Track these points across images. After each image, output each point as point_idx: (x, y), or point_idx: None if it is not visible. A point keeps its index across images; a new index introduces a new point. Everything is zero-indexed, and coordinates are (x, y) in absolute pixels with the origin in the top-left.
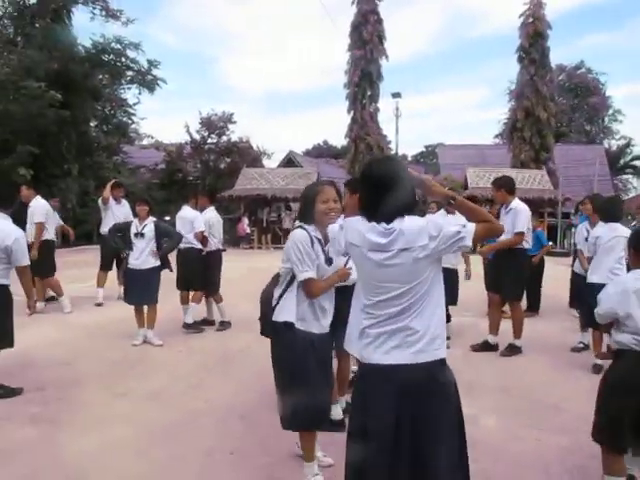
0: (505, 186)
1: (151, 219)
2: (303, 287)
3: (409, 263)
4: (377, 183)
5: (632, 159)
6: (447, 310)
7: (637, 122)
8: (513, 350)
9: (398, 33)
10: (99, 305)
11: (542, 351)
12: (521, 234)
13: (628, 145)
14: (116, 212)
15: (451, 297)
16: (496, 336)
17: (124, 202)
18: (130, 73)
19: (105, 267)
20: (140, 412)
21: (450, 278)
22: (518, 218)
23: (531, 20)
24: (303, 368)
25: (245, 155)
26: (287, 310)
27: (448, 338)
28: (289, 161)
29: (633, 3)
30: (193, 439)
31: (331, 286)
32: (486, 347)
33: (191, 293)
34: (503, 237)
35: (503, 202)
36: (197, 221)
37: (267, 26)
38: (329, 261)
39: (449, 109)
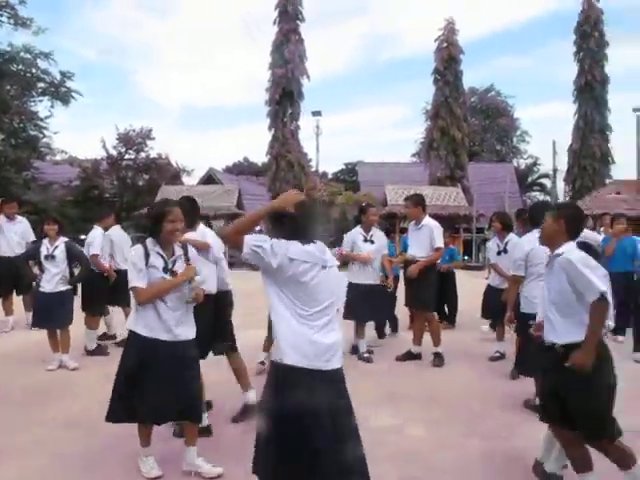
0: (422, 203)
1: (62, 239)
2: (132, 294)
3: None
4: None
5: (539, 177)
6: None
7: (542, 143)
8: (440, 357)
9: (319, 52)
10: (8, 331)
11: (463, 361)
12: (441, 249)
13: (535, 164)
14: (7, 231)
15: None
16: (419, 346)
17: (20, 219)
18: (41, 85)
19: (5, 293)
20: (60, 439)
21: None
22: (435, 234)
23: (445, 45)
24: (129, 368)
25: (164, 172)
26: (132, 318)
27: (370, 352)
28: (209, 178)
29: (537, 31)
30: (117, 465)
31: (163, 291)
32: (409, 356)
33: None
34: (414, 253)
35: (416, 218)
36: (92, 245)
37: (189, 40)
38: (170, 272)
39: (368, 127)
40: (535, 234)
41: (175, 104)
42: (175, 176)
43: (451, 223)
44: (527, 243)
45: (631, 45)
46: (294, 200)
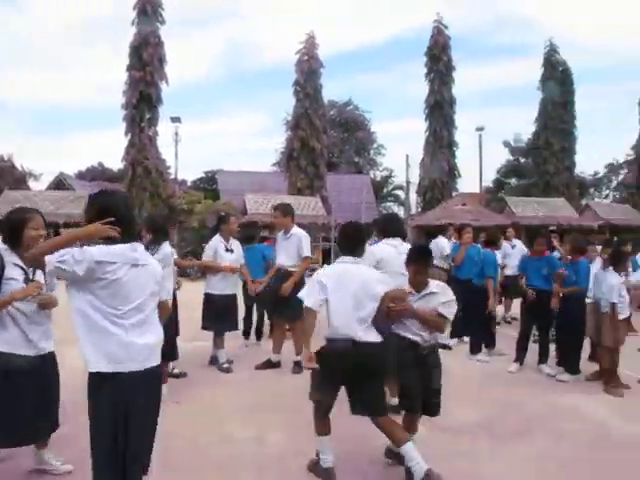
0: (291, 212)
1: None
2: None
3: None
4: None
5: (393, 188)
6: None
7: (397, 156)
8: (299, 366)
9: (179, 57)
10: None
11: None
12: (309, 258)
13: (390, 176)
14: None
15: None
16: (279, 355)
17: None
18: None
19: None
20: None
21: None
22: (304, 243)
23: (306, 58)
24: None
25: (7, 176)
26: None
27: (230, 362)
28: (59, 184)
29: (393, 50)
30: None
31: (9, 302)
32: (269, 365)
33: None
34: (283, 262)
35: (285, 228)
36: None
37: (39, 38)
38: (28, 280)
39: (229, 136)
40: (386, 242)
41: (23, 104)
42: (20, 180)
43: (310, 232)
44: (378, 251)
45: (474, 69)
46: (99, 235)
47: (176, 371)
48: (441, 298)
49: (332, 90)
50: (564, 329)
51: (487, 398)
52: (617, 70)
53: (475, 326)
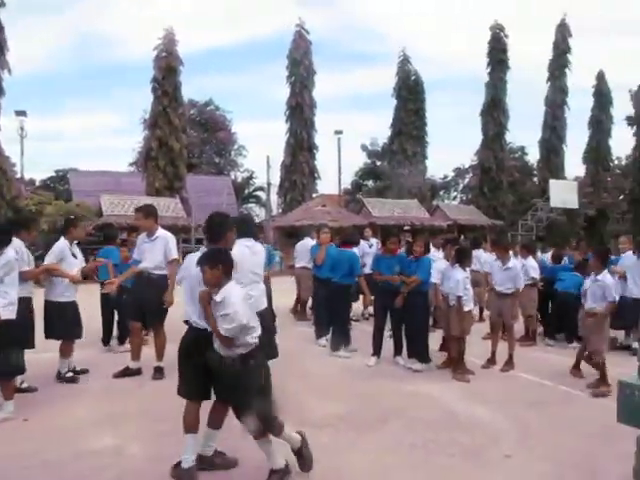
0: (154, 214)
1: None
2: None
3: None
4: None
5: (254, 190)
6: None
7: (258, 157)
8: (161, 371)
9: (24, 45)
10: None
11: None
12: (175, 260)
13: (251, 177)
14: None
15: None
16: (138, 361)
17: None
18: None
19: None
20: None
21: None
22: (171, 245)
23: (164, 54)
24: None
25: None
26: None
27: (85, 371)
28: None
29: (255, 52)
30: None
31: None
32: (128, 373)
33: None
34: (147, 265)
35: (149, 230)
36: None
37: None
38: None
39: (83, 133)
40: (239, 243)
41: None
42: None
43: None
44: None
45: (334, 74)
46: None
47: (24, 385)
48: (220, 310)
49: (192, 89)
50: (410, 321)
51: (348, 392)
52: (463, 81)
53: (338, 323)
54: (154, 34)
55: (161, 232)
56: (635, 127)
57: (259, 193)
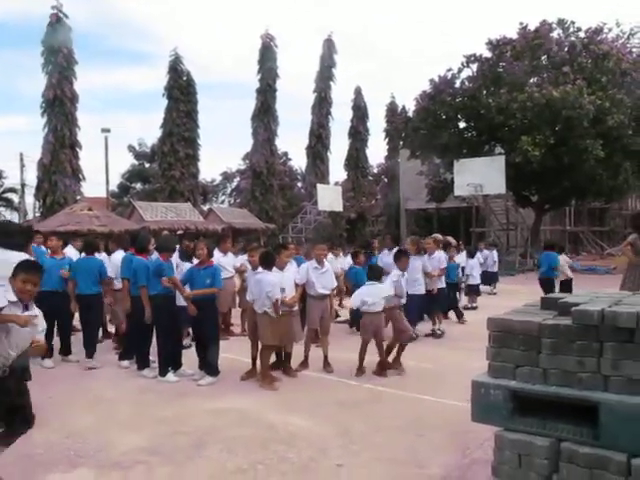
0: None
1: None
2: None
3: None
4: None
5: (4, 191)
6: None
7: (7, 155)
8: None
9: None
10: None
11: None
12: None
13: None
14: None
15: None
16: None
17: None
18: None
19: None
20: None
21: None
22: None
23: None
24: None
25: None
26: None
27: None
28: None
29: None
30: None
31: None
32: None
33: None
34: None
35: None
36: None
37: None
38: None
39: None
40: None
41: None
42: None
43: None
44: None
45: (101, 70)
46: None
47: None
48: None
49: None
50: (200, 332)
51: (152, 418)
52: (235, 85)
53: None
54: None
55: None
56: (388, 139)
57: (10, 195)
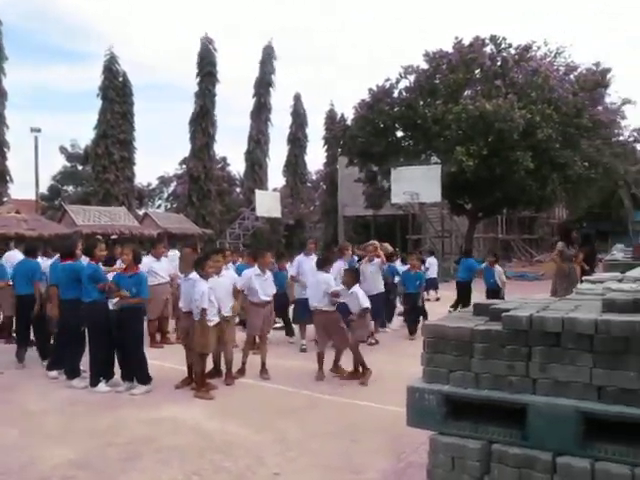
0: None
1: None
2: None
3: None
4: None
5: None
6: None
7: None
8: None
9: None
10: None
11: None
12: None
13: None
14: None
15: None
16: None
17: None
18: None
19: None
20: None
21: None
22: None
23: None
24: None
25: None
26: None
27: None
28: None
29: None
30: None
31: None
32: None
33: None
34: None
35: None
36: None
37: None
38: None
39: None
40: None
41: None
42: None
43: None
44: None
45: (31, 68)
46: None
47: None
48: None
49: None
50: (124, 340)
51: (79, 430)
52: (173, 89)
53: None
54: None
55: None
56: (327, 146)
57: None
